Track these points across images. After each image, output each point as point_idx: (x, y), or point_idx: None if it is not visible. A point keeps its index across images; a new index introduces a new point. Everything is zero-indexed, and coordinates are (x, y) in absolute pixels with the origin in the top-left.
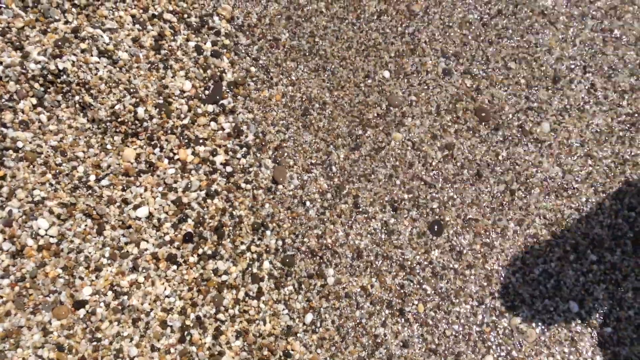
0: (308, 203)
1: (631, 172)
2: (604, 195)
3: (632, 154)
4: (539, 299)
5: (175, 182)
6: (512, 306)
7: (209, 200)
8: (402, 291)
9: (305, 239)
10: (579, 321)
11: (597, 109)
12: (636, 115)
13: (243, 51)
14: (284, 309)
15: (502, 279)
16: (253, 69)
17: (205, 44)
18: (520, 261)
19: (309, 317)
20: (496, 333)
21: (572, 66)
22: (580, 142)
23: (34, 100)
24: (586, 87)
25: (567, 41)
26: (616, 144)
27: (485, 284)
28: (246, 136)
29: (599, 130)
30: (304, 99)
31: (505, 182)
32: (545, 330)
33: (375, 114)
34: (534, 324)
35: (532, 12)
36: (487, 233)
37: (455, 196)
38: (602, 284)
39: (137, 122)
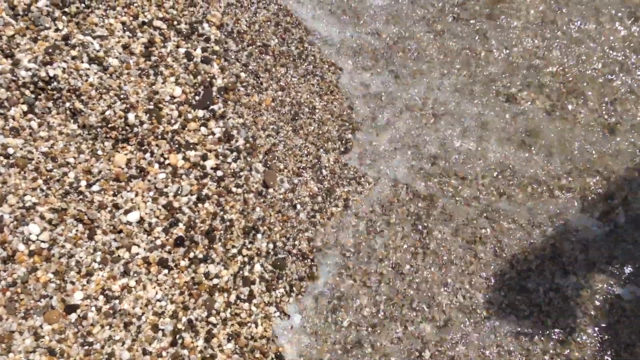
0: (299, 206)
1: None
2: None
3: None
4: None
5: (166, 186)
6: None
7: (199, 205)
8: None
9: (297, 242)
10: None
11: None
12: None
13: (233, 57)
14: (275, 312)
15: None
16: (243, 75)
17: (195, 50)
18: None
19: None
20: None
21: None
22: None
23: (25, 107)
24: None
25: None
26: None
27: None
28: (236, 141)
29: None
30: (293, 104)
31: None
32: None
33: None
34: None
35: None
36: (475, 240)
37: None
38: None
39: (127, 127)
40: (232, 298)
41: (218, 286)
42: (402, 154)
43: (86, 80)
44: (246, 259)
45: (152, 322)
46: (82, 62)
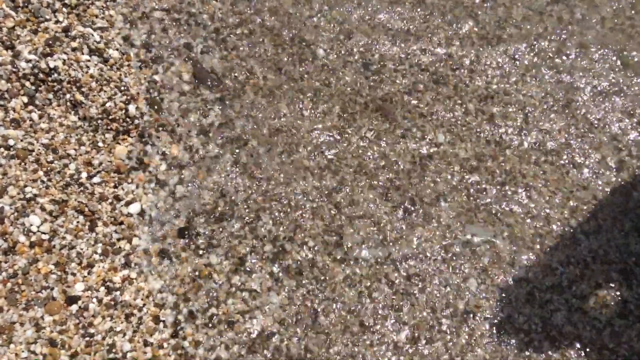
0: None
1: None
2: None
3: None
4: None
5: (167, 177)
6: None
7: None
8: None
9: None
10: None
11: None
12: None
13: (231, 46)
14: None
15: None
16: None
17: (194, 40)
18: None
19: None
20: None
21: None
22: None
23: (25, 99)
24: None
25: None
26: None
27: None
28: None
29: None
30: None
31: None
32: None
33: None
34: None
35: None
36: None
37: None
38: None
39: (128, 119)
40: (234, 289)
41: (219, 277)
42: None
43: (87, 72)
44: (248, 249)
45: (153, 313)
46: (83, 53)
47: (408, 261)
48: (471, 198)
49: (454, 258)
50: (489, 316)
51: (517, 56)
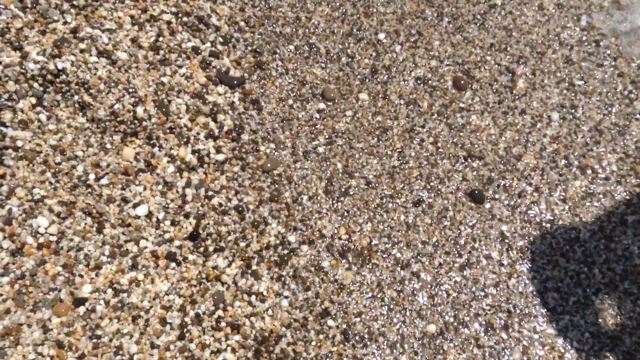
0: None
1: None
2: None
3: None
4: None
5: (175, 180)
6: None
7: (208, 198)
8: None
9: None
10: None
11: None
12: None
13: (243, 47)
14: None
15: None
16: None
17: (204, 43)
18: None
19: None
20: None
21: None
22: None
23: (33, 100)
24: None
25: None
26: None
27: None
28: (247, 133)
29: None
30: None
31: None
32: None
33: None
34: None
35: None
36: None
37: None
38: None
39: (136, 121)
40: (240, 292)
41: (227, 280)
42: None
43: (95, 74)
44: (255, 254)
45: (160, 315)
46: (91, 55)
47: None
48: None
49: None
50: None
51: None
